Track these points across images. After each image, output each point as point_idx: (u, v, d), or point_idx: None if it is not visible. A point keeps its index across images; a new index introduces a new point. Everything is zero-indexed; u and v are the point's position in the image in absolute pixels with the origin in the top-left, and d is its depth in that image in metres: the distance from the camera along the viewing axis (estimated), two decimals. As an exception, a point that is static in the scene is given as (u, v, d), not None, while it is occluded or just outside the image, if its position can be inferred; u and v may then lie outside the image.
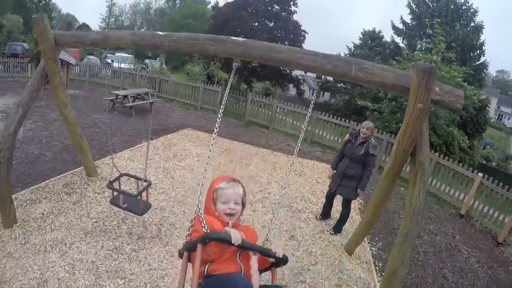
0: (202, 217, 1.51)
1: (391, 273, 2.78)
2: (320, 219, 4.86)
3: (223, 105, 2.04)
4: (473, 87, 13.50)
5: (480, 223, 6.27)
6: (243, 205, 1.64)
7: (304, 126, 2.10)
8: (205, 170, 1.78)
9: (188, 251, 1.48)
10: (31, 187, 4.49)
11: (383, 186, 3.31)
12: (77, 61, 15.62)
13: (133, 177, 3.85)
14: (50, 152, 5.99)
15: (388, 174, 3.13)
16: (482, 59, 21.60)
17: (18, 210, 3.84)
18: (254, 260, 1.40)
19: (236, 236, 1.29)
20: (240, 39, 2.56)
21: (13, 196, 3.98)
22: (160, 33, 2.91)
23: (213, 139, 1.84)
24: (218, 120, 1.88)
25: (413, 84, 2.48)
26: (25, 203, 4.07)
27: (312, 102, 2.23)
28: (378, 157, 4.26)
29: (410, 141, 2.74)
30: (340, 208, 4.61)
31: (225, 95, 2.06)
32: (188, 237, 1.56)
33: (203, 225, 1.46)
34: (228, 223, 1.54)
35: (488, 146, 23.64)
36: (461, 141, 12.07)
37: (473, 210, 6.60)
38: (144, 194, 3.56)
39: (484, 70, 21.54)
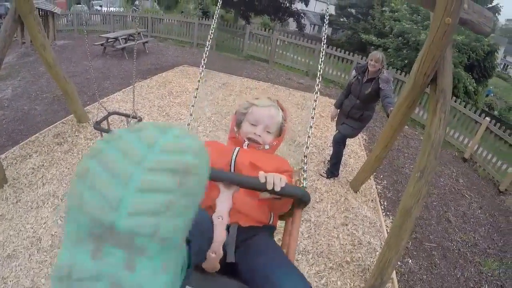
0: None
1: (404, 212, 2.50)
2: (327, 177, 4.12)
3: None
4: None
5: (483, 169, 5.94)
6: (278, 135, 1.27)
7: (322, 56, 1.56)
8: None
9: None
10: (21, 143, 4.27)
11: (398, 115, 2.90)
12: (63, 10, 14.37)
13: (122, 114, 3.59)
14: (41, 105, 5.67)
15: (406, 100, 2.71)
16: (495, 2, 19.39)
17: (9, 169, 3.66)
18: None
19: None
20: None
21: (3, 156, 3.82)
22: None
23: None
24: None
25: (442, -7, 1.92)
26: (15, 160, 3.87)
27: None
28: (392, 88, 3.59)
29: (433, 63, 2.26)
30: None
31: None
32: None
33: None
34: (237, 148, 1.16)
35: (491, 94, 22.07)
36: (468, 84, 11.20)
37: (477, 155, 6.21)
38: None
39: (496, 14, 19.29)
